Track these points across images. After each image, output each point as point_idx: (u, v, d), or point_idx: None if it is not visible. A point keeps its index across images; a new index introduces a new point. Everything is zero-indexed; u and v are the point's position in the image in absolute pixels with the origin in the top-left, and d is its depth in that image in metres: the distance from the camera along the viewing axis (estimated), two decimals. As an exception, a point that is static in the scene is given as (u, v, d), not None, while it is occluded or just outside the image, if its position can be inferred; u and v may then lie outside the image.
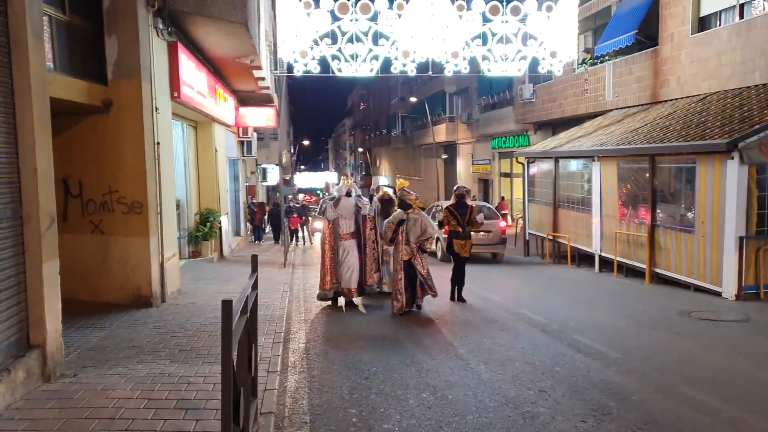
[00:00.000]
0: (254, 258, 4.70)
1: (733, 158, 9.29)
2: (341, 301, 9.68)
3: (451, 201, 10.13)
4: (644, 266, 11.77)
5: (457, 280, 9.86)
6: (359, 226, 9.65)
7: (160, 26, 9.30)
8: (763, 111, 10.23)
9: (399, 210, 9.17)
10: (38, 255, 5.22)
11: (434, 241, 9.30)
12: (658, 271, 11.43)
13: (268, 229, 23.76)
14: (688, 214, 10.84)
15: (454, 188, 10.21)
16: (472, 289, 10.41)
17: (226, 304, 2.89)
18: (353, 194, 9.79)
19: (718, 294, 9.75)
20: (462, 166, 37.27)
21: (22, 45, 5.11)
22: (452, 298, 9.83)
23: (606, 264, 13.66)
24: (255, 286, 4.42)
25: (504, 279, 13.27)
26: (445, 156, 40.06)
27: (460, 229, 9.72)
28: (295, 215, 23.47)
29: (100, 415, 4.46)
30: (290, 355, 6.60)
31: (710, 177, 9.91)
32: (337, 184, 10.16)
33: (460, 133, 36.62)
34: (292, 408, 4.99)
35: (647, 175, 11.75)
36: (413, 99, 42.09)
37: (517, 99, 25.54)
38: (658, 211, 11.59)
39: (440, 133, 38.21)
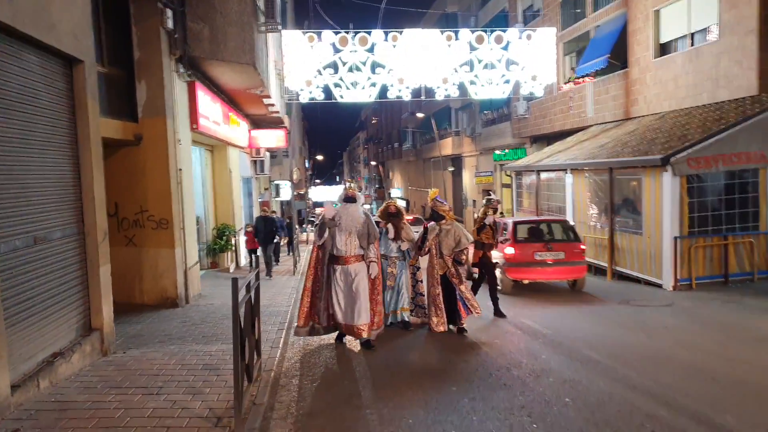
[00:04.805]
0: (257, 257, 6.39)
1: (667, 171, 10.84)
2: (349, 341, 7.82)
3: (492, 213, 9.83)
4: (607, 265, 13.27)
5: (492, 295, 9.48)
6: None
7: (181, 70, 10.81)
8: (697, 129, 11.76)
9: (431, 223, 8.50)
10: (96, 261, 6.89)
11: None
12: (618, 269, 12.95)
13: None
14: (638, 218, 12.35)
15: (493, 199, 10.05)
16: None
17: (234, 280, 4.59)
18: (359, 202, 7.72)
19: (660, 286, 11.26)
20: (467, 177, 38.67)
21: (83, 105, 6.83)
22: (499, 314, 9.32)
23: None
24: (257, 277, 6.11)
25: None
26: (452, 168, 41.50)
27: (492, 242, 9.65)
28: (249, 229, 17.06)
29: (148, 373, 6.18)
30: (290, 337, 8.24)
31: (652, 186, 11.45)
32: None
33: (465, 147, 38.01)
34: (287, 368, 6.66)
35: (608, 185, 13.29)
36: (421, 115, 43.68)
37: (513, 115, 27.09)
38: (617, 216, 13.12)
39: (447, 146, 39.57)
